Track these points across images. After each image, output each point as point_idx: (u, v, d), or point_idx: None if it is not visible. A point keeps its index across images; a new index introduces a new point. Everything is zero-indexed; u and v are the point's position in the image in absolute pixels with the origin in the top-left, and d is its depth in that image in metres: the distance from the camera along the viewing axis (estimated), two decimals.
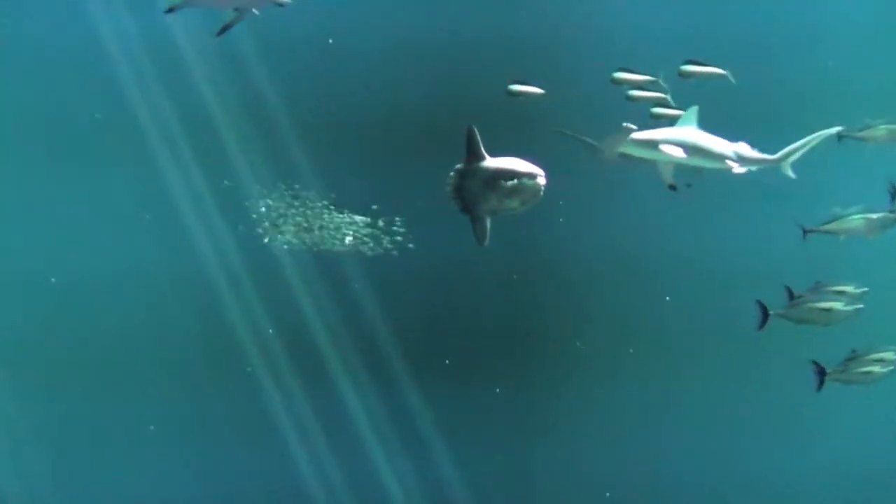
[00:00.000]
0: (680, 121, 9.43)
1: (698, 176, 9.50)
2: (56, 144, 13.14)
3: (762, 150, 10.15)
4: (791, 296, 10.54)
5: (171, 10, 9.79)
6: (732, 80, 10.04)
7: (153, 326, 13.22)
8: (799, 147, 9.47)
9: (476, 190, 9.70)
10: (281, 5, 9.48)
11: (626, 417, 13.41)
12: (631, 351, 13.82)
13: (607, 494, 13.66)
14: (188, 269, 13.21)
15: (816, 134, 9.51)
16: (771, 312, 10.65)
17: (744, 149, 9.49)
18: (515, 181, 9.60)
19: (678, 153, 9.07)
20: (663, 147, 9.07)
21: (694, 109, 9.45)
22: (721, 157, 9.19)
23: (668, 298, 13.37)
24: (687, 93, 10.19)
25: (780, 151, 9.58)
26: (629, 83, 10.09)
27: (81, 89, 12.94)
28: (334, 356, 13.47)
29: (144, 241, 13.11)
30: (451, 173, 9.83)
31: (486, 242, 9.81)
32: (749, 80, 11.43)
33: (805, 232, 10.59)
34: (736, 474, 13.24)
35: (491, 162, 9.67)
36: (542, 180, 9.64)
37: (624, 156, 9.46)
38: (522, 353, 13.48)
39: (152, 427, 13.43)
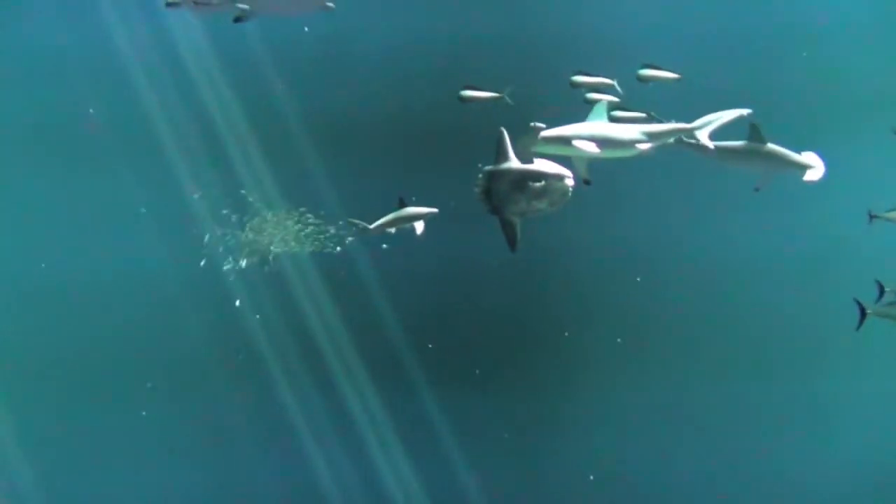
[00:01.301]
0: (590, 115, 9.50)
1: (767, 181, 9.61)
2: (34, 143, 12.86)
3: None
4: (881, 292, 10.47)
5: (238, 20, 9.68)
6: (684, 82, 10.07)
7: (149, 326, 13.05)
8: (712, 120, 9.59)
9: (504, 192, 9.72)
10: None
11: (614, 405, 13.46)
12: (619, 341, 13.92)
13: (591, 477, 13.75)
14: (183, 272, 13.03)
15: (729, 111, 9.60)
16: (869, 312, 10.49)
17: (654, 126, 9.59)
18: (543, 183, 9.66)
19: (590, 147, 9.17)
20: (575, 142, 9.16)
21: (603, 104, 9.52)
22: (632, 143, 9.30)
23: (638, 279, 13.42)
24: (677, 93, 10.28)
25: (695, 121, 9.66)
26: (587, 86, 10.08)
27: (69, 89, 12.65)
28: (329, 355, 13.41)
29: (132, 241, 12.92)
30: (480, 175, 9.83)
31: (518, 245, 9.81)
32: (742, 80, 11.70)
33: (871, 217, 10.58)
34: (731, 468, 13.30)
35: (519, 164, 9.69)
36: (569, 181, 9.71)
37: (538, 153, 9.56)
38: (510, 343, 13.50)
39: (144, 413, 13.25)
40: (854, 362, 12.22)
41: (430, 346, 13.39)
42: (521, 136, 9.40)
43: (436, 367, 13.30)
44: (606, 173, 9.87)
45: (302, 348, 13.33)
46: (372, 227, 10.13)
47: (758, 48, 12.42)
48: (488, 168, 9.78)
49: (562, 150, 9.38)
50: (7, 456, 13.11)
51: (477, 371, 13.36)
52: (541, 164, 9.68)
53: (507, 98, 10.11)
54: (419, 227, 10.01)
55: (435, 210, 9.88)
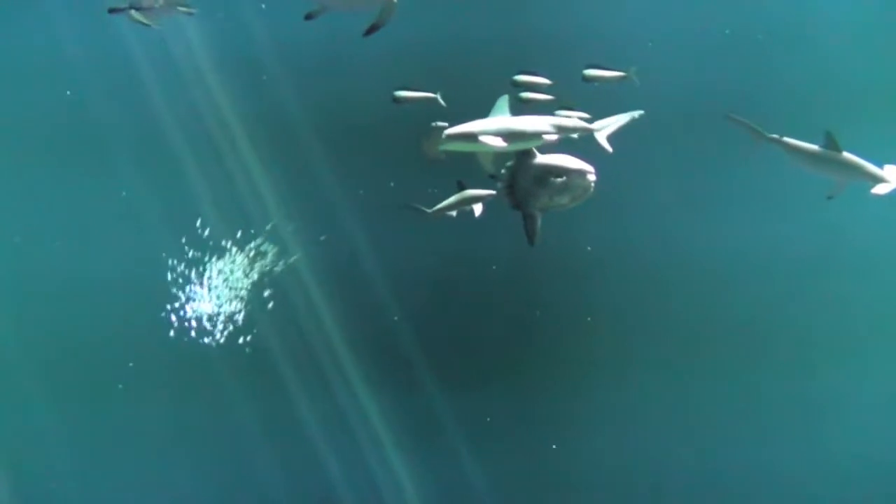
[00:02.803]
0: (493, 110, 9.65)
1: (840, 190, 9.75)
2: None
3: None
4: None
5: (309, 17, 9.47)
6: (636, 81, 10.20)
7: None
8: (612, 122, 9.86)
9: (526, 187, 9.76)
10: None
11: (613, 403, 13.54)
12: (589, 319, 14.07)
13: (553, 447, 13.86)
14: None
15: (626, 114, 9.85)
16: None
17: (559, 119, 9.79)
18: (565, 178, 9.72)
19: (497, 142, 9.35)
20: (482, 138, 9.34)
21: (505, 98, 9.67)
22: (537, 135, 9.51)
23: (588, 248, 13.46)
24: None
25: (597, 122, 9.86)
26: (527, 85, 10.12)
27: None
28: (330, 354, 13.33)
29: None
30: (503, 170, 9.84)
31: (538, 240, 9.88)
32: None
33: None
34: (730, 466, 13.41)
35: (542, 159, 9.73)
36: (592, 177, 9.79)
37: (445, 152, 9.66)
38: (510, 339, 13.54)
39: (121, 385, 12.98)
40: (852, 361, 12.51)
41: (395, 318, 13.36)
42: (425, 135, 9.44)
43: (430, 363, 13.32)
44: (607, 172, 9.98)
45: (303, 347, 13.23)
46: (431, 210, 10.06)
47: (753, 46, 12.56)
48: (511, 163, 9.80)
49: (467, 147, 9.44)
50: None
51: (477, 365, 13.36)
52: (563, 159, 9.74)
53: (439, 99, 10.03)
54: (478, 209, 10.00)
55: (494, 192, 9.86)
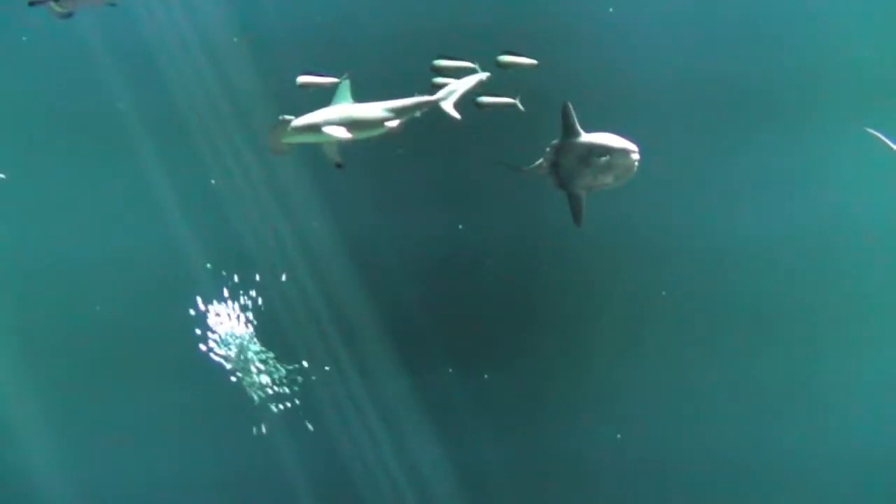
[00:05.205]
0: (335, 97, 9.67)
1: None
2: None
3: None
4: None
5: None
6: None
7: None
8: (455, 89, 9.93)
9: (570, 166, 9.66)
10: None
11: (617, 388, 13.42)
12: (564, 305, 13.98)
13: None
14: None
15: (471, 77, 9.91)
16: None
17: (399, 102, 9.85)
18: (609, 157, 9.65)
19: (340, 130, 9.41)
20: (325, 128, 9.38)
21: (346, 83, 9.71)
22: (380, 121, 9.60)
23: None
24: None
25: (440, 92, 9.75)
26: (447, 70, 10.05)
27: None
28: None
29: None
30: (547, 149, 9.71)
31: (582, 220, 9.78)
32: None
33: None
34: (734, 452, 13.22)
35: (586, 138, 9.63)
36: (635, 156, 9.73)
37: (290, 145, 9.61)
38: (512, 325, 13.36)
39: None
40: (855, 346, 12.68)
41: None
42: (271, 129, 9.41)
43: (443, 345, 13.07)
44: None
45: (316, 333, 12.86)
46: (525, 169, 9.83)
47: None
48: (555, 142, 9.69)
49: (313, 138, 9.40)
50: None
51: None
52: (607, 139, 9.66)
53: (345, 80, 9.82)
54: None
55: None
